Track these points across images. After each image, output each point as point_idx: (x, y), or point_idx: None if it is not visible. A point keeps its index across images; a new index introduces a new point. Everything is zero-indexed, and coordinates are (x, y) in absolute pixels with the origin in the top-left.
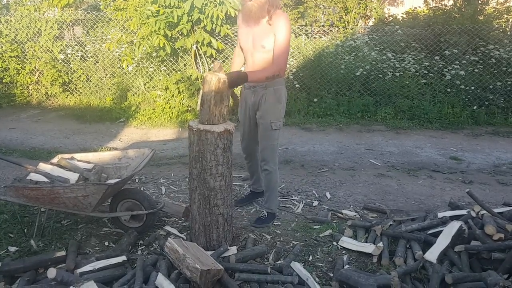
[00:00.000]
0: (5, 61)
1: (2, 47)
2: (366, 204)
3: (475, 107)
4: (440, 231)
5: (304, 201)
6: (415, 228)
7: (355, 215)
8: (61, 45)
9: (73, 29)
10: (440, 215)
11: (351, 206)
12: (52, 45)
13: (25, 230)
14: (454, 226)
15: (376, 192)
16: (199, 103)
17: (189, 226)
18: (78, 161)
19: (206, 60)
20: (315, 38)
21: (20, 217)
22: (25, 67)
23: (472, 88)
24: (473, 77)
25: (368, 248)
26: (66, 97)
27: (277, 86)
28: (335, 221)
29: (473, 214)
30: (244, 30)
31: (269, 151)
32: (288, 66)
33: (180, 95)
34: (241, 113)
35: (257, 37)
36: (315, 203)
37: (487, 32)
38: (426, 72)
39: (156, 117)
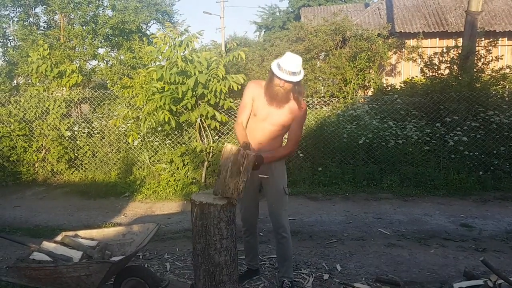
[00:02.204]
0: (13, 139)
1: (10, 126)
2: (379, 276)
3: (480, 173)
4: None
5: (314, 275)
6: None
7: None
8: (68, 122)
9: (80, 106)
10: (456, 286)
11: (363, 279)
12: (60, 123)
13: None
14: None
15: (387, 263)
16: (203, 175)
17: None
18: (82, 238)
19: (210, 132)
20: (316, 108)
21: None
22: (32, 145)
23: (476, 153)
24: (476, 143)
25: None
26: (72, 173)
27: None
28: None
29: (490, 284)
30: (265, 103)
31: (283, 217)
32: None
33: (185, 167)
34: None
35: (274, 115)
36: (326, 276)
37: (485, 98)
38: (429, 139)
39: (161, 191)
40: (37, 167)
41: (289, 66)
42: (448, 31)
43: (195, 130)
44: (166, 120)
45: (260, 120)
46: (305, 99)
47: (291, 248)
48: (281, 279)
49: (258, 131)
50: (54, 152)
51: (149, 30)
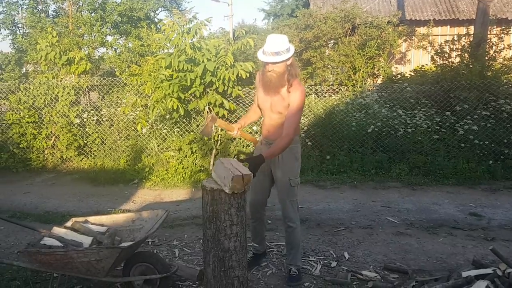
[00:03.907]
0: (23, 126)
1: (20, 113)
2: (387, 264)
3: (490, 162)
4: None
5: (321, 262)
6: None
7: (375, 276)
8: (77, 110)
9: (89, 94)
10: (464, 274)
11: (371, 267)
12: (69, 110)
13: None
14: (481, 286)
15: (396, 251)
16: (212, 162)
17: None
18: (91, 224)
19: None
20: (325, 97)
21: (32, 283)
22: (41, 132)
23: (486, 142)
24: (486, 132)
25: None
26: (81, 161)
27: (293, 144)
28: (355, 282)
29: (499, 273)
30: (262, 93)
31: (290, 208)
32: (299, 124)
33: (193, 155)
34: None
35: (275, 103)
36: (333, 263)
37: (496, 87)
38: (438, 127)
39: (170, 178)
40: (47, 154)
41: (271, 47)
42: (460, 19)
43: (203, 118)
44: (175, 108)
45: (265, 109)
46: (314, 87)
47: (298, 237)
48: (288, 267)
49: (266, 120)
50: (63, 139)
51: (157, 18)
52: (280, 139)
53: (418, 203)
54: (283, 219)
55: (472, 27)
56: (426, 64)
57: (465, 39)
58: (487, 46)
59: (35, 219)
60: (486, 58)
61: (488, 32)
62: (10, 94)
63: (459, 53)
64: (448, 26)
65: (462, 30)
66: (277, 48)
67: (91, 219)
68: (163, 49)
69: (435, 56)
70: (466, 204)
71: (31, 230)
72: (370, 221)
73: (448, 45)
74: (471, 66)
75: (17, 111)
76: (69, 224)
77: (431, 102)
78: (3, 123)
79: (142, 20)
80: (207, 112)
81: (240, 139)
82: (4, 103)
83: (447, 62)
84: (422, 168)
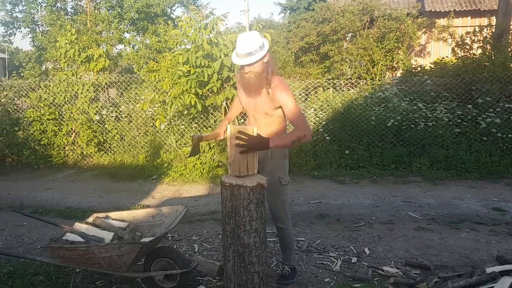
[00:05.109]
0: (43, 123)
1: (41, 110)
2: (408, 260)
3: None
4: None
5: (342, 258)
6: (462, 285)
7: (397, 272)
8: (97, 106)
9: (108, 91)
10: (488, 270)
11: (392, 262)
12: (88, 107)
13: None
14: (506, 282)
15: (417, 247)
16: (228, 157)
17: (224, 286)
18: (112, 219)
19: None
20: (343, 91)
21: (55, 278)
22: (62, 128)
23: (510, 136)
24: (510, 125)
25: None
26: (101, 157)
27: None
28: (376, 278)
29: None
30: (244, 95)
31: (280, 209)
32: (317, 119)
33: (211, 151)
34: None
35: (259, 104)
36: (354, 259)
37: None
38: (460, 121)
39: (188, 173)
40: (67, 150)
41: (243, 48)
42: (481, 9)
43: (221, 114)
44: (192, 104)
45: (249, 110)
46: (332, 81)
47: (290, 237)
48: (282, 265)
49: (251, 120)
50: (83, 136)
51: (173, 14)
52: (293, 131)
53: (440, 198)
54: (273, 220)
55: (494, 18)
56: (447, 56)
57: (486, 30)
58: (510, 37)
59: (57, 214)
60: (509, 49)
61: (511, 23)
62: (31, 91)
63: (481, 44)
64: (469, 17)
65: (484, 21)
66: (250, 48)
67: (112, 214)
68: (180, 45)
69: (456, 48)
70: (489, 199)
71: (53, 226)
72: (390, 216)
73: (469, 37)
74: (493, 57)
75: (37, 108)
76: (90, 219)
77: (452, 95)
78: (24, 121)
79: (159, 17)
80: (225, 107)
81: None
82: (25, 101)
83: (468, 54)
84: (443, 162)
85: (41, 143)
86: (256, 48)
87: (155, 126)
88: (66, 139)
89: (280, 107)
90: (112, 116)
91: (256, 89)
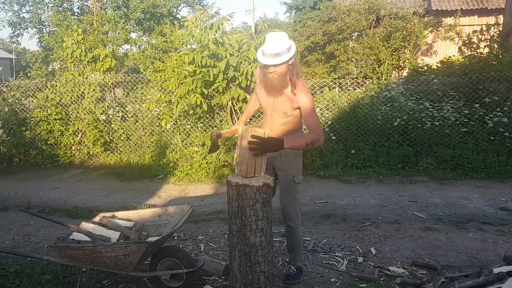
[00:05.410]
0: (50, 123)
1: (47, 110)
2: (415, 260)
3: None
4: None
5: (348, 258)
6: (469, 285)
7: (403, 272)
8: (103, 106)
9: (114, 91)
10: (496, 270)
11: (399, 262)
12: (95, 107)
13: None
14: None
15: (424, 247)
16: (236, 156)
17: (230, 285)
18: (119, 219)
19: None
20: (349, 90)
21: (62, 277)
22: (68, 128)
23: None
24: None
25: None
26: (107, 156)
27: None
28: (382, 278)
29: None
30: (264, 93)
31: (292, 207)
32: (323, 118)
33: (216, 150)
34: None
35: (278, 103)
36: (360, 259)
37: None
38: (467, 120)
39: (194, 173)
40: (74, 150)
41: (271, 48)
42: (488, 8)
43: (227, 113)
44: (198, 103)
45: (267, 108)
46: (338, 80)
47: (299, 237)
48: (288, 265)
49: (268, 118)
50: (90, 136)
51: (179, 14)
52: (307, 134)
53: (446, 197)
54: (283, 219)
55: (501, 17)
56: (453, 55)
57: (494, 29)
58: None
59: (63, 214)
60: None
61: None
62: (38, 91)
63: (488, 43)
64: (476, 16)
65: (491, 19)
66: (278, 49)
67: (119, 214)
68: (186, 45)
69: (462, 47)
70: (496, 199)
71: (60, 225)
72: (397, 216)
73: (476, 36)
74: (500, 56)
75: (44, 108)
76: (97, 219)
77: (459, 94)
78: (31, 121)
79: (165, 17)
80: (230, 107)
81: None
82: (32, 101)
83: (475, 53)
84: (450, 162)
85: (48, 142)
86: (283, 50)
87: (161, 126)
88: (72, 138)
89: (299, 108)
90: (118, 116)
91: (278, 89)
